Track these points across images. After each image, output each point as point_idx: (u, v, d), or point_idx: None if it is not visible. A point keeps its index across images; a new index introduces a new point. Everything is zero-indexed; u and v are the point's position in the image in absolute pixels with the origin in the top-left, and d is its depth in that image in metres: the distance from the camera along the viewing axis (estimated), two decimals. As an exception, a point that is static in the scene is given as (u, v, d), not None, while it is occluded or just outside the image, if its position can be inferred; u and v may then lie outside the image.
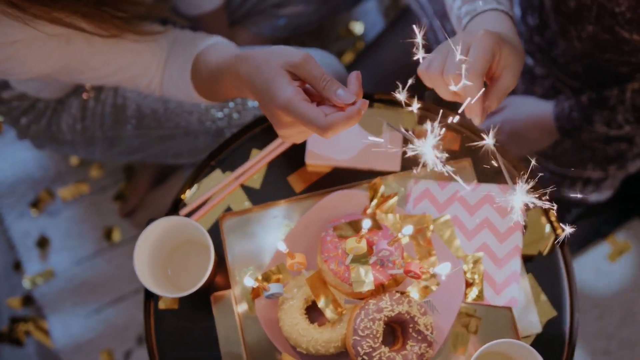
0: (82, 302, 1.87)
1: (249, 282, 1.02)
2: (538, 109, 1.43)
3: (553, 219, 1.16)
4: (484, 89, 0.93)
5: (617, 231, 1.88)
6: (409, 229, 1.04)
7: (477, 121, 0.95)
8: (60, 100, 1.40)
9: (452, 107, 1.04)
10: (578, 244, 1.83)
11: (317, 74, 0.91)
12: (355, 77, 0.92)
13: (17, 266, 1.91)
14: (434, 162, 0.90)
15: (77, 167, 1.96)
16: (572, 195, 1.54)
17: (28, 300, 1.89)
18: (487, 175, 1.18)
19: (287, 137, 0.98)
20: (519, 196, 0.86)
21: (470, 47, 0.94)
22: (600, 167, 1.48)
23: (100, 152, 1.48)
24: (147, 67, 1.17)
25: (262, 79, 0.93)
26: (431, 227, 1.13)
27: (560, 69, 1.38)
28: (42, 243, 1.90)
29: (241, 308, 1.13)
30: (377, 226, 1.10)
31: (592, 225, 1.80)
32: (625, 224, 1.87)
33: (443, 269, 1.02)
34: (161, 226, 1.08)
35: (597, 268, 1.86)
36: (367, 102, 0.92)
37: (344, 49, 1.96)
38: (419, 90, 0.99)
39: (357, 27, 1.98)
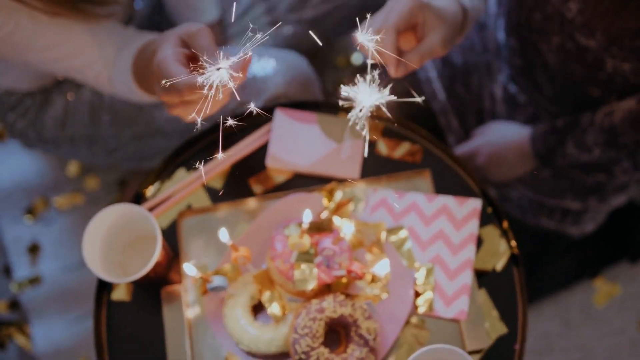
0: (66, 309, 1.89)
1: (191, 270, 1.02)
2: (516, 134, 1.43)
3: (510, 236, 1.15)
4: (394, 40, 0.97)
5: (605, 272, 1.84)
6: (349, 227, 1.04)
7: (392, 72, 0.97)
8: (46, 97, 1.44)
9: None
10: (563, 282, 1.79)
11: (205, 45, 0.92)
12: (243, 58, 0.89)
13: (7, 270, 1.94)
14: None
15: (74, 177, 2.00)
16: (549, 225, 1.52)
17: (14, 304, 1.92)
18: (445, 187, 1.18)
19: (170, 105, 0.99)
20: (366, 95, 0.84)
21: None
22: (579, 198, 1.47)
23: (81, 152, 1.51)
24: (95, 59, 1.19)
25: (157, 42, 0.97)
26: (384, 235, 1.13)
27: (539, 92, 1.39)
28: (33, 249, 1.94)
29: (191, 303, 1.14)
30: (329, 229, 1.10)
31: (579, 263, 1.77)
32: (614, 265, 1.83)
33: (382, 268, 1.01)
34: (114, 214, 1.10)
35: (582, 309, 1.82)
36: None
37: (341, 78, 1.99)
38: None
39: (356, 57, 2.01)
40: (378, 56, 0.99)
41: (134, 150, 1.50)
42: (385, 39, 0.96)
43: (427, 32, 1.00)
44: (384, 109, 0.84)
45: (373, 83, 0.85)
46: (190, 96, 0.90)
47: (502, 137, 1.45)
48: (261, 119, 1.23)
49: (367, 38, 0.95)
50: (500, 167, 1.46)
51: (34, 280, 1.91)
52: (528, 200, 1.50)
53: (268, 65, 1.39)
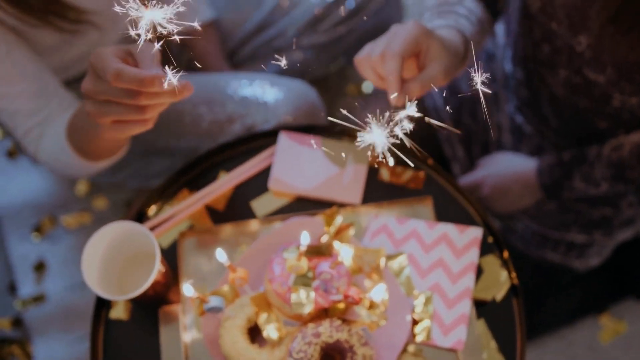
0: (68, 328, 1.89)
1: (188, 290, 1.02)
2: (522, 165, 1.43)
3: (510, 266, 1.14)
4: (399, 67, 0.96)
5: (611, 308, 1.81)
6: (348, 252, 1.04)
7: (393, 97, 0.96)
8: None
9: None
10: (568, 317, 1.77)
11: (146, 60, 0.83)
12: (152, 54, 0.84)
13: (12, 287, 1.95)
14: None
15: (83, 196, 2.01)
16: (553, 258, 1.51)
17: (17, 322, 1.92)
18: (446, 215, 1.18)
19: (98, 117, 0.89)
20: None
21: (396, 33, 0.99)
22: (585, 231, 1.46)
23: None
24: (35, 110, 1.19)
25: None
26: (383, 261, 1.12)
27: (545, 124, 1.39)
28: (39, 267, 1.95)
29: (189, 324, 1.14)
30: (328, 253, 1.10)
31: (584, 298, 1.74)
32: (620, 301, 1.81)
33: (378, 293, 1.01)
34: (115, 231, 1.10)
35: (587, 346, 1.79)
36: (157, 77, 0.81)
37: (351, 107, 1.99)
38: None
39: (366, 86, 2.03)
40: (377, 79, 1.00)
41: (138, 168, 1.51)
42: (390, 64, 0.96)
43: (430, 61, 1.01)
44: (396, 151, 0.81)
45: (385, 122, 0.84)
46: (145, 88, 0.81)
47: (508, 168, 1.45)
48: (265, 142, 1.24)
49: (369, 62, 0.96)
50: (505, 199, 1.46)
51: (38, 299, 1.91)
52: (532, 232, 1.50)
53: (276, 93, 1.40)
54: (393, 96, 0.96)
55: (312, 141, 1.22)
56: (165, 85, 0.80)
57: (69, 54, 1.36)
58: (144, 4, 0.72)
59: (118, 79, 0.81)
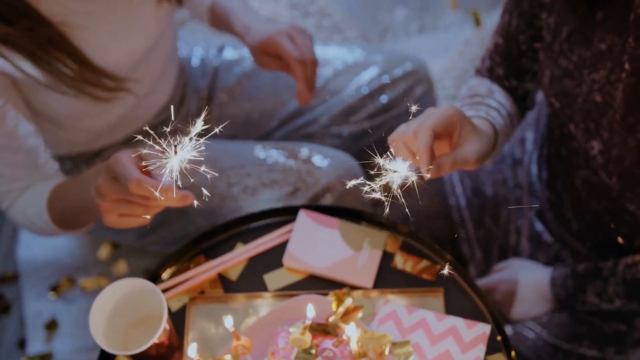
0: (70, 391, 1.88)
1: (192, 351, 1.02)
2: (536, 274, 1.43)
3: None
4: (430, 140, 0.98)
5: None
6: (352, 328, 1.04)
7: (424, 170, 0.97)
8: (88, 163, 1.50)
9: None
10: None
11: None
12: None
13: (21, 343, 1.95)
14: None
15: (104, 260, 2.04)
16: None
17: (21, 379, 1.92)
18: (456, 308, 1.17)
19: (108, 211, 1.03)
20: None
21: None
22: (597, 346, 1.43)
23: (112, 230, 1.55)
24: (18, 178, 1.25)
25: (104, 163, 1.03)
26: (388, 347, 1.12)
27: (566, 227, 1.39)
28: (51, 326, 1.95)
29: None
30: (334, 333, 1.10)
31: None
32: None
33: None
34: (127, 287, 1.12)
35: None
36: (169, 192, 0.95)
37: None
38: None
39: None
40: (409, 156, 1.01)
41: (164, 235, 1.54)
42: (422, 138, 0.97)
43: (463, 142, 1.02)
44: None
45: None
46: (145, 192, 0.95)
47: (523, 275, 1.44)
48: (285, 218, 1.27)
49: (402, 138, 0.99)
50: (517, 306, 1.45)
51: (45, 357, 1.91)
52: (543, 342, 1.47)
53: (321, 160, 1.45)
54: (424, 170, 0.97)
55: (329, 225, 1.24)
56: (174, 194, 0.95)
57: (100, 122, 1.43)
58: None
59: (138, 188, 0.94)
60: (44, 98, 1.27)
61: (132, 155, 0.98)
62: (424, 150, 0.97)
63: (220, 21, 1.46)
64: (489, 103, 1.21)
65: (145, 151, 0.96)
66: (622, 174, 1.15)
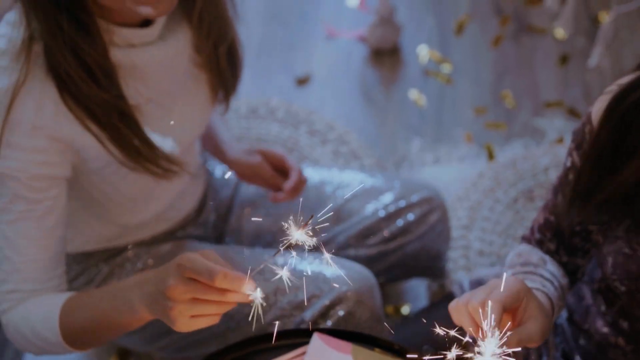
0: None
1: None
2: None
3: None
4: (499, 316, 0.96)
5: None
6: None
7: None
8: (112, 269, 1.50)
9: None
10: None
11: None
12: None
13: None
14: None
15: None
16: None
17: None
18: None
19: (182, 314, 1.01)
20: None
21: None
22: None
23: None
24: (31, 279, 1.21)
25: (155, 271, 1.04)
26: None
27: None
28: None
29: None
30: None
31: None
32: None
33: None
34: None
35: None
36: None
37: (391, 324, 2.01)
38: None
39: (405, 309, 2.05)
40: (473, 326, 1.00)
41: (176, 339, 1.51)
42: (492, 312, 0.95)
43: (528, 318, 1.01)
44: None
45: None
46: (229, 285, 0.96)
47: None
48: (297, 340, 1.27)
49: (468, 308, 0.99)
50: None
51: None
52: None
53: (336, 270, 1.46)
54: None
55: (343, 348, 1.24)
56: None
57: (141, 214, 1.46)
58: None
59: (224, 281, 0.96)
60: (103, 177, 1.32)
61: (203, 254, 1.00)
62: (494, 325, 0.95)
63: (205, 135, 1.60)
64: (543, 274, 1.20)
65: (209, 250, 1.00)
66: None
